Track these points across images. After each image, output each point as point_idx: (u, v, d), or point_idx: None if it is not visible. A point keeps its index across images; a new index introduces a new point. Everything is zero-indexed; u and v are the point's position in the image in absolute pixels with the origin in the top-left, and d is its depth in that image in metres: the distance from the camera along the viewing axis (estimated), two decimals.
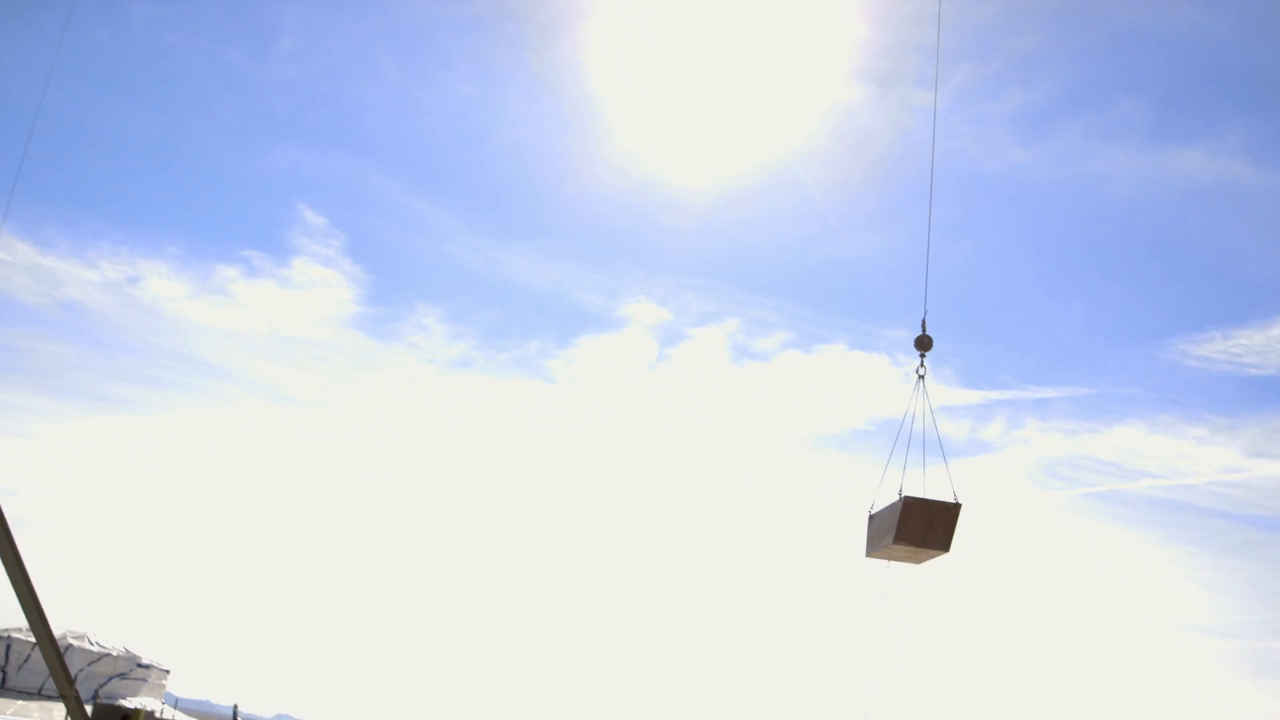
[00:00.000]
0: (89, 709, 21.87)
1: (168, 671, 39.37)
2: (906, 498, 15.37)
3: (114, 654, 36.84)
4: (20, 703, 32.56)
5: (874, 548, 16.14)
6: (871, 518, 16.40)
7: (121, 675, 36.61)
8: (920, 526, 15.30)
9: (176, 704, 38.92)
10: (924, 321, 17.03)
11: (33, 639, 26.38)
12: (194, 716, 40.15)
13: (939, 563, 15.59)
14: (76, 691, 19.01)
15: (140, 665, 37.74)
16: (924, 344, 16.84)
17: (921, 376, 16.66)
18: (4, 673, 34.80)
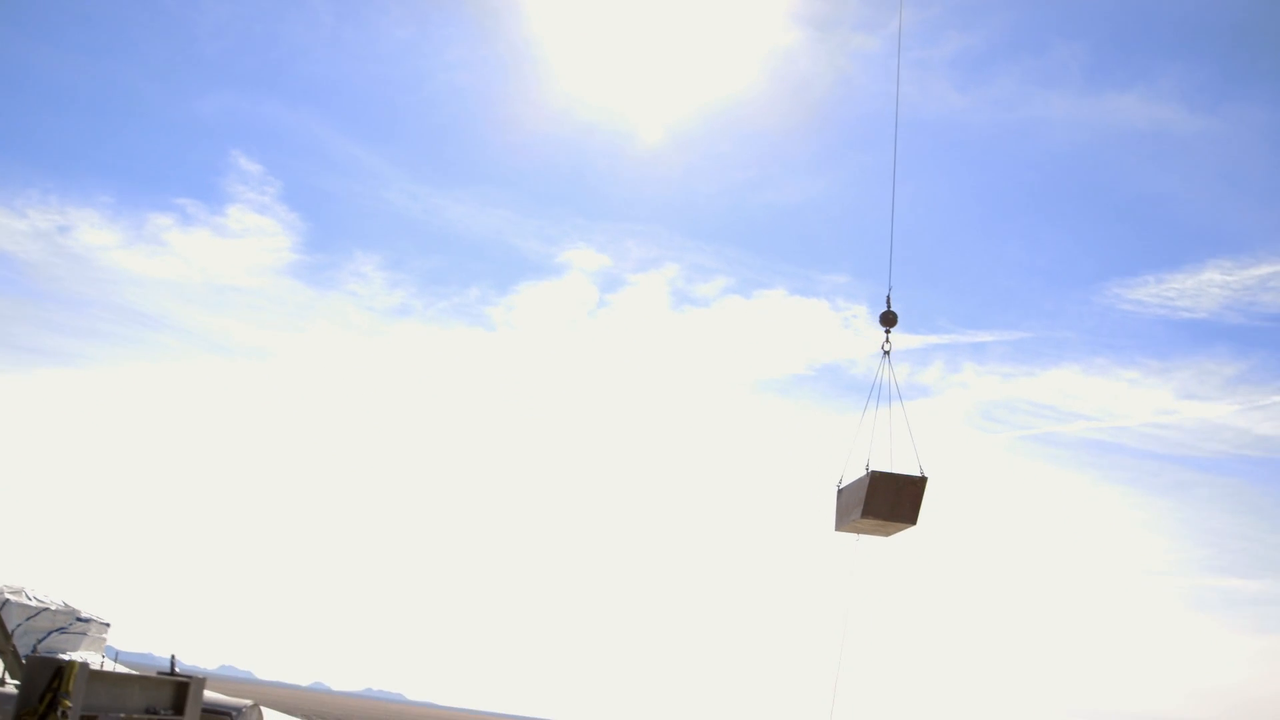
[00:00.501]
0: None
1: (108, 625, 38.81)
2: (874, 472, 15.42)
3: (53, 608, 36.21)
4: None
5: (843, 521, 16.20)
6: (840, 492, 16.45)
7: (61, 630, 36.03)
8: (888, 500, 15.46)
9: (117, 657, 38.47)
10: (889, 298, 17.16)
11: None
12: (135, 669, 39.73)
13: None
14: (14, 646, 18.66)
15: (80, 619, 37.13)
16: (889, 319, 16.94)
17: (887, 352, 16.75)
18: None
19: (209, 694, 10.32)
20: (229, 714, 10.29)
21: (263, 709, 11.72)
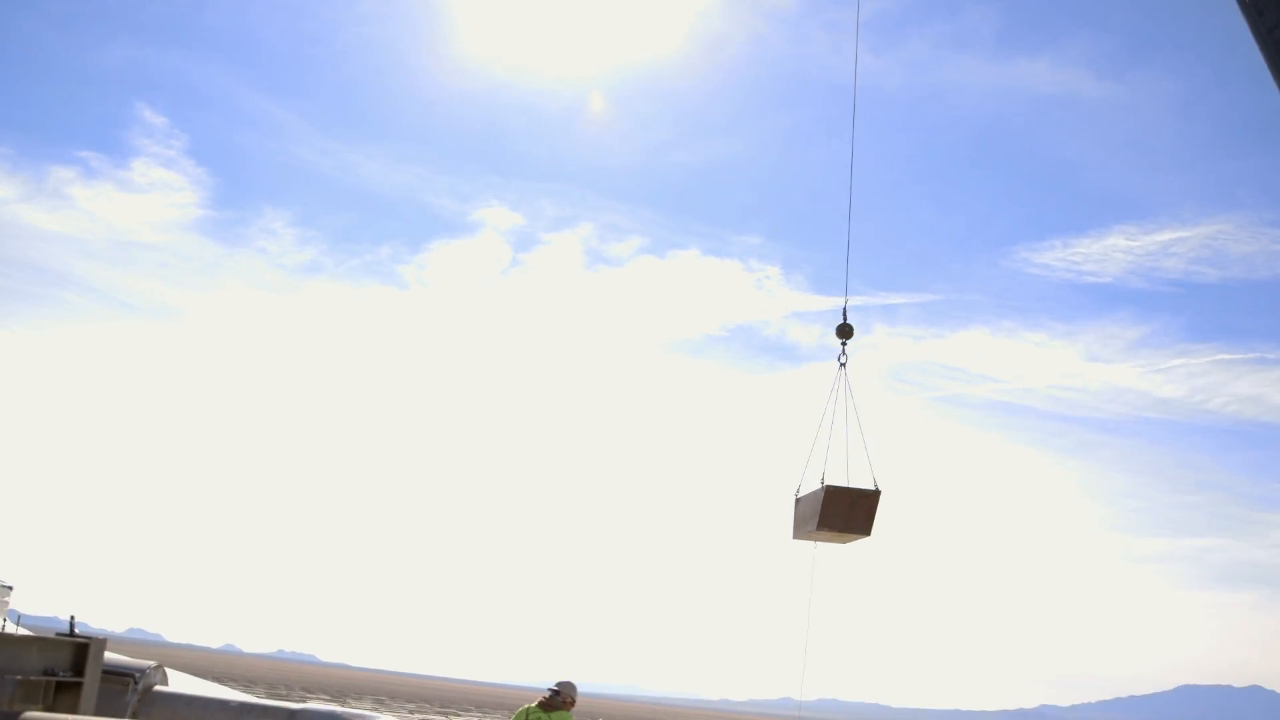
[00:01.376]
0: None
1: (10, 588, 38.34)
2: (828, 487, 15.62)
3: None
4: None
5: (800, 531, 16.54)
6: (798, 501, 16.74)
7: None
8: (842, 513, 15.79)
9: (20, 621, 38.03)
10: (845, 310, 17.35)
11: None
12: (38, 633, 39.22)
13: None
14: None
15: None
16: (845, 332, 17.13)
17: (843, 364, 16.98)
18: None
19: (111, 655, 10.25)
20: (132, 675, 10.21)
21: (170, 671, 11.67)
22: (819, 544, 16.46)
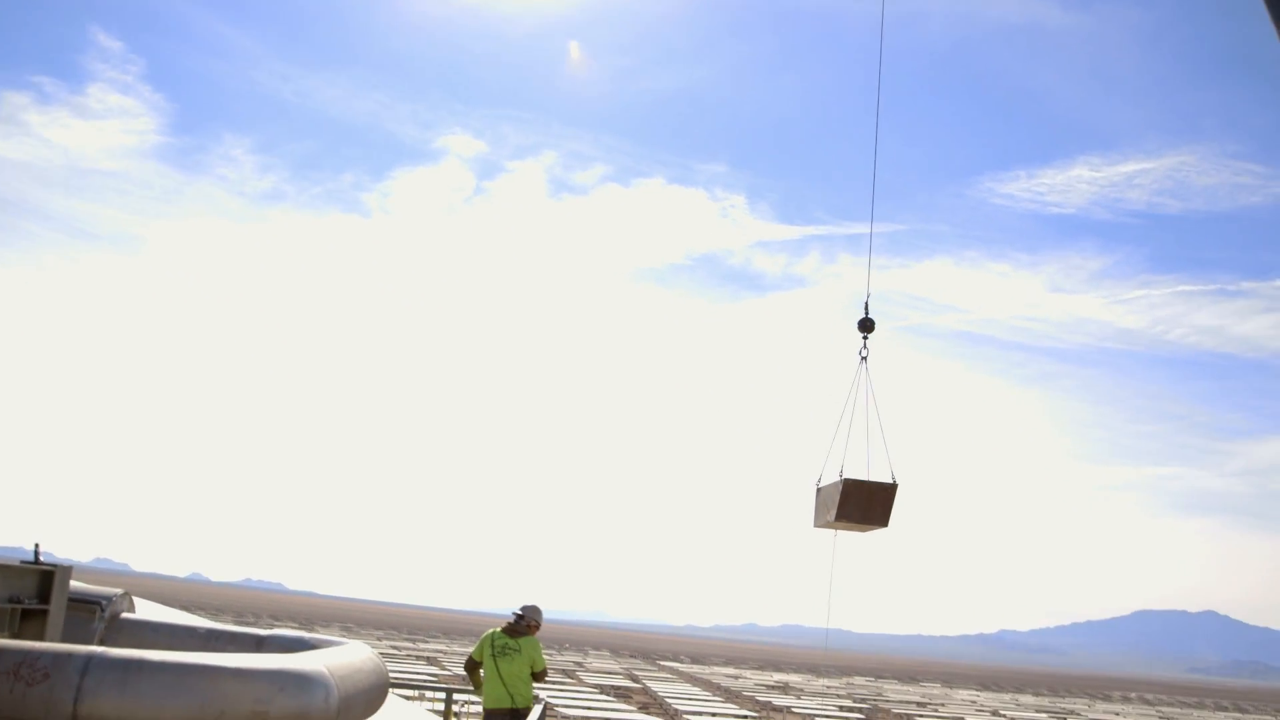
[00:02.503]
0: None
1: None
2: (846, 480, 15.98)
3: None
4: None
5: (819, 520, 16.98)
6: (818, 491, 17.11)
7: None
8: (860, 506, 16.23)
9: None
10: (866, 304, 17.55)
11: None
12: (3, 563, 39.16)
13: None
14: None
15: None
16: (866, 326, 17.35)
17: (864, 358, 17.23)
18: None
19: (77, 584, 10.27)
20: (98, 603, 10.23)
21: (136, 598, 11.70)
22: (839, 532, 16.96)
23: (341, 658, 8.31)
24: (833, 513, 16.15)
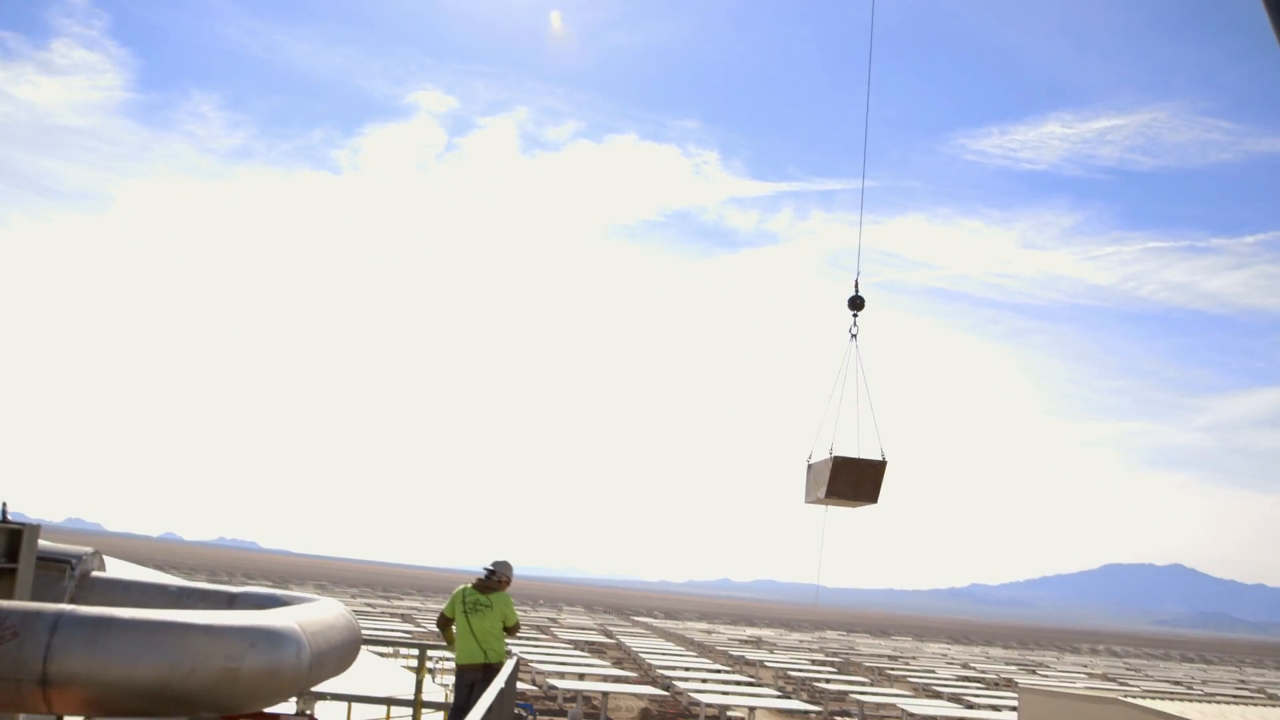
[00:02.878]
0: None
1: None
2: (836, 458, 16.38)
3: None
4: None
5: (810, 496, 17.31)
6: (809, 467, 17.57)
7: None
8: (849, 483, 16.51)
9: None
10: (857, 282, 17.89)
11: None
12: None
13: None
14: None
15: None
16: (857, 304, 17.70)
17: (854, 335, 17.58)
18: None
19: (46, 543, 10.24)
20: (68, 561, 10.21)
21: (107, 558, 11.68)
22: (829, 507, 17.31)
23: (313, 614, 8.33)
24: (823, 489, 16.53)
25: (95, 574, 10.51)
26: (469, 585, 13.35)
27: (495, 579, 13.32)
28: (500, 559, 13.51)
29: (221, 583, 79.72)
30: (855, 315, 18.08)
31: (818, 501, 17.17)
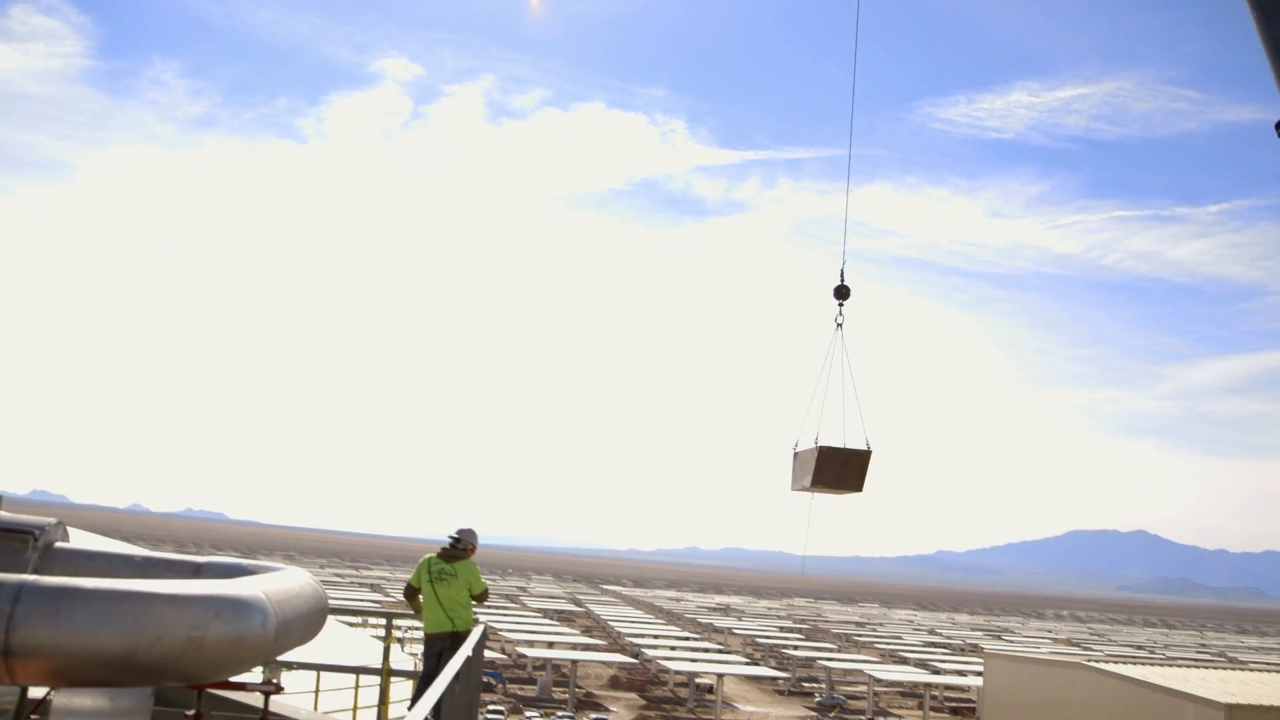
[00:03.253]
0: None
1: None
2: (822, 447, 16.93)
3: None
4: None
5: (796, 484, 17.81)
6: (795, 455, 17.94)
7: None
8: (834, 472, 16.92)
9: None
10: (842, 271, 18.43)
11: None
12: None
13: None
14: None
15: None
16: (842, 293, 18.29)
17: (840, 325, 18.17)
18: None
19: (8, 514, 10.18)
20: (31, 532, 10.14)
21: (73, 530, 11.61)
22: (815, 495, 17.80)
23: (279, 583, 8.31)
24: (809, 478, 17.17)
25: (59, 545, 10.45)
26: (434, 555, 13.38)
27: (460, 547, 13.34)
28: (465, 527, 13.52)
29: (189, 554, 79.46)
30: (841, 305, 18.39)
31: (803, 489, 17.58)
